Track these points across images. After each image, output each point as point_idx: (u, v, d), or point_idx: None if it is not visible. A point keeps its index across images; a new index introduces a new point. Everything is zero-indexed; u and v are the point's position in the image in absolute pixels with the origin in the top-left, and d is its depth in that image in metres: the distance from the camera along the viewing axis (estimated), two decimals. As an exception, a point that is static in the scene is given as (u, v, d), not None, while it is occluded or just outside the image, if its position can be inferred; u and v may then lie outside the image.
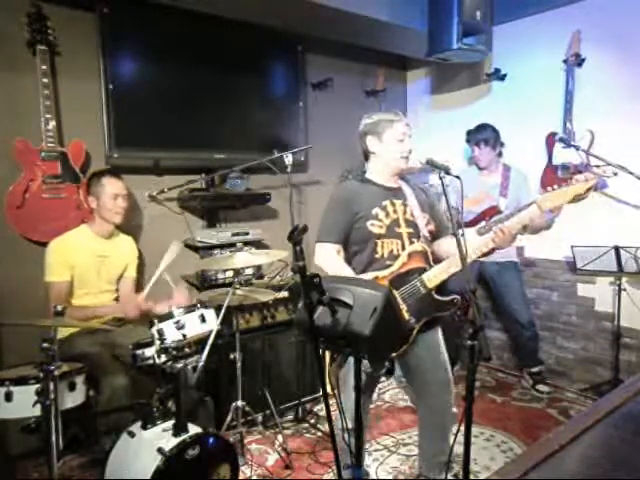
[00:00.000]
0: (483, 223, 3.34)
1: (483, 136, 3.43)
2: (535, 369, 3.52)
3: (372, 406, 2.80)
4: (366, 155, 2.16)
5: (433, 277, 2.00)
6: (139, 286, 2.87)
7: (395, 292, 1.99)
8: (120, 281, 2.78)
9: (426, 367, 2.11)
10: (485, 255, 2.09)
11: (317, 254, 2.06)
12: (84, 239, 2.61)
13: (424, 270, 2.03)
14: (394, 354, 2.00)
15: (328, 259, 2.04)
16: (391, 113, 2.11)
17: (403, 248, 2.04)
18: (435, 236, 2.19)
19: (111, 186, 2.62)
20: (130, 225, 3.02)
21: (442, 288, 2.06)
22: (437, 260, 2.07)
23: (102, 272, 2.65)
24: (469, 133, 3.60)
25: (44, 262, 2.50)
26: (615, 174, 2.95)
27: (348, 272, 2.01)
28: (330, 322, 1.44)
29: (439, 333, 2.15)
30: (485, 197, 3.43)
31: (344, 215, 2.05)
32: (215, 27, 3.16)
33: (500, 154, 3.53)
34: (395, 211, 2.06)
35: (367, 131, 2.10)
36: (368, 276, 2.03)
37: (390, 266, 2.01)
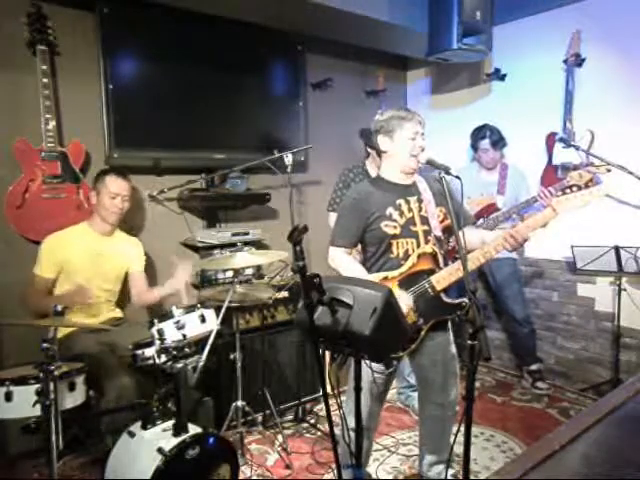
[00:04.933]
0: (481, 220, 3.35)
1: (496, 138, 3.42)
2: (534, 367, 3.53)
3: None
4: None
5: (442, 279, 1.99)
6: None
7: (405, 292, 1.99)
8: (129, 280, 2.76)
9: (430, 366, 2.12)
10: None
11: (330, 257, 2.12)
12: (81, 236, 2.60)
13: (433, 272, 2.02)
14: (402, 353, 2.01)
15: (340, 261, 2.08)
16: (403, 110, 2.07)
17: (419, 247, 2.03)
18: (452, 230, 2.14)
19: (112, 185, 2.59)
20: (131, 224, 3.03)
21: (448, 289, 2.05)
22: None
23: (97, 269, 2.61)
24: (483, 135, 3.45)
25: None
26: (609, 170, 2.94)
27: (360, 270, 2.03)
28: (330, 322, 1.44)
29: (448, 333, 2.15)
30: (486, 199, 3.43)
31: (356, 219, 2.05)
32: (215, 27, 3.15)
33: (502, 154, 3.54)
34: (410, 209, 2.04)
35: (378, 129, 2.07)
36: (379, 276, 2.02)
37: (403, 266, 2.02)
